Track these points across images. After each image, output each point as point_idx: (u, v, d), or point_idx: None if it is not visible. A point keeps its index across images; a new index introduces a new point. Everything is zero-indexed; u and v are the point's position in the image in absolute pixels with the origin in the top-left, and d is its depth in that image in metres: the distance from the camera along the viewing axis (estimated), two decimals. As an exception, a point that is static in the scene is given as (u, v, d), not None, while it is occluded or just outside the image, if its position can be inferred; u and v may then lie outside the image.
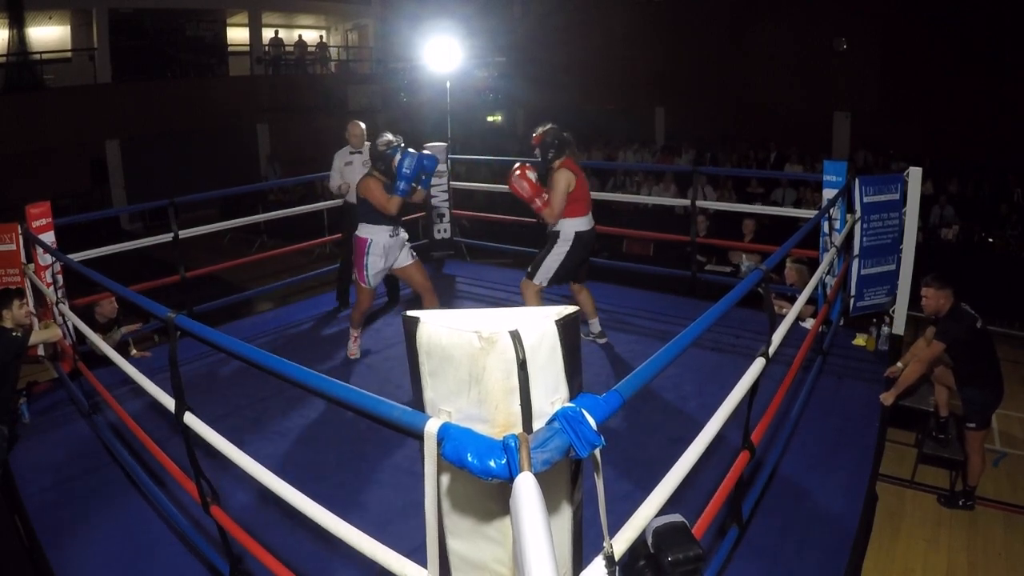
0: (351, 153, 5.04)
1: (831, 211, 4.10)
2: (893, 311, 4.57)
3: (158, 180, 12.83)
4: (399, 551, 1.47)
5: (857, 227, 4.34)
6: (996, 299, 7.29)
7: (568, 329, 1.35)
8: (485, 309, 1.43)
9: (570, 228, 4.12)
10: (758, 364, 2.31)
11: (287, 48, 16.84)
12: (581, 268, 4.33)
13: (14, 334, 3.57)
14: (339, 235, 5.51)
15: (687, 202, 5.52)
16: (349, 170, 4.99)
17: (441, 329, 1.33)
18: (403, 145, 4.09)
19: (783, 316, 2.98)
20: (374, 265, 4.16)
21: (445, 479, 1.37)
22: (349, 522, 1.61)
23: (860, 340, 4.54)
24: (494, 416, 1.26)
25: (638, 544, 1.51)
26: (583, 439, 1.15)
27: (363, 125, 5.21)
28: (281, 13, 16.98)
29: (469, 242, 7.17)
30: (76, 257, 4.02)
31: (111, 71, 13.85)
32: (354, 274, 4.28)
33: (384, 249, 4.16)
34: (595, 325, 4.53)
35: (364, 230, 4.14)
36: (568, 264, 4.17)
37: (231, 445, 2.04)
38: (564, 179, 4.03)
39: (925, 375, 4.21)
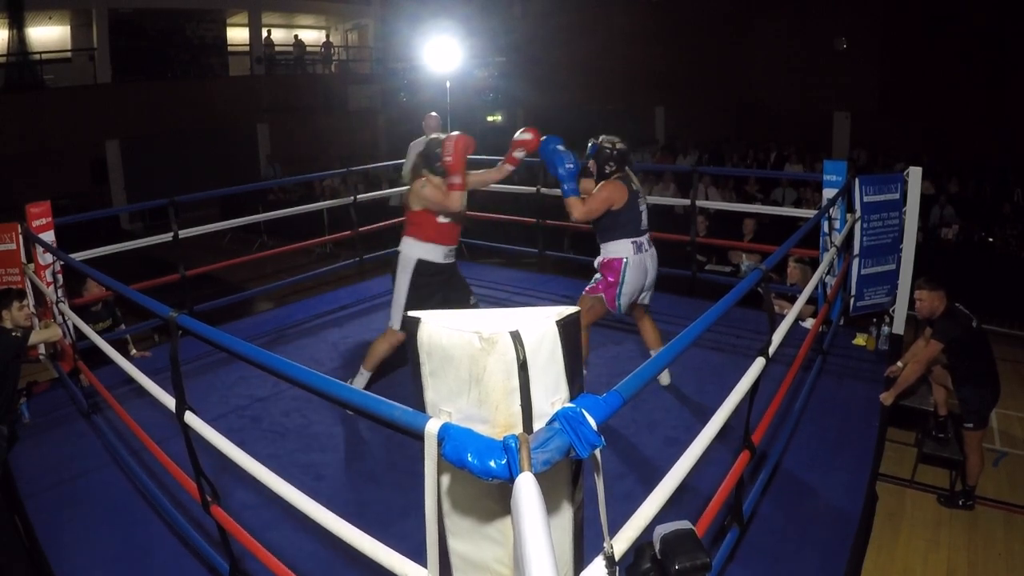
0: None
1: (831, 211, 4.10)
2: (893, 311, 4.57)
3: (158, 180, 12.81)
4: (399, 551, 1.47)
5: (857, 227, 4.34)
6: (996, 299, 7.28)
7: (569, 330, 1.34)
8: (485, 309, 1.43)
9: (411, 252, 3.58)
10: (758, 364, 2.31)
11: (282, 48, 16.81)
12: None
13: (14, 334, 3.57)
14: (348, 232, 5.69)
15: (687, 202, 5.51)
16: None
17: (442, 329, 1.33)
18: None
19: (783, 316, 2.98)
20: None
21: (445, 479, 1.37)
22: (349, 522, 1.61)
23: (860, 340, 4.54)
24: (494, 416, 1.26)
25: (644, 549, 1.50)
26: (583, 439, 1.15)
27: (436, 115, 5.77)
28: (281, 13, 16.96)
29: (469, 242, 7.16)
30: (76, 257, 4.01)
31: (111, 71, 13.83)
32: (598, 297, 3.66)
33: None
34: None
35: (615, 248, 3.67)
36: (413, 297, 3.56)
37: (231, 445, 2.04)
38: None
39: (924, 375, 4.22)
